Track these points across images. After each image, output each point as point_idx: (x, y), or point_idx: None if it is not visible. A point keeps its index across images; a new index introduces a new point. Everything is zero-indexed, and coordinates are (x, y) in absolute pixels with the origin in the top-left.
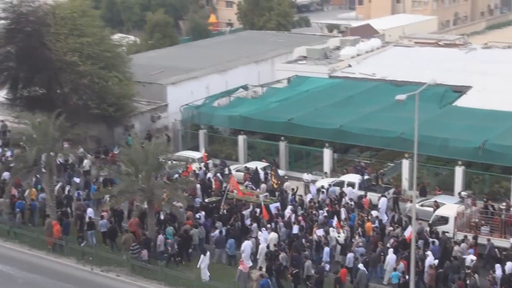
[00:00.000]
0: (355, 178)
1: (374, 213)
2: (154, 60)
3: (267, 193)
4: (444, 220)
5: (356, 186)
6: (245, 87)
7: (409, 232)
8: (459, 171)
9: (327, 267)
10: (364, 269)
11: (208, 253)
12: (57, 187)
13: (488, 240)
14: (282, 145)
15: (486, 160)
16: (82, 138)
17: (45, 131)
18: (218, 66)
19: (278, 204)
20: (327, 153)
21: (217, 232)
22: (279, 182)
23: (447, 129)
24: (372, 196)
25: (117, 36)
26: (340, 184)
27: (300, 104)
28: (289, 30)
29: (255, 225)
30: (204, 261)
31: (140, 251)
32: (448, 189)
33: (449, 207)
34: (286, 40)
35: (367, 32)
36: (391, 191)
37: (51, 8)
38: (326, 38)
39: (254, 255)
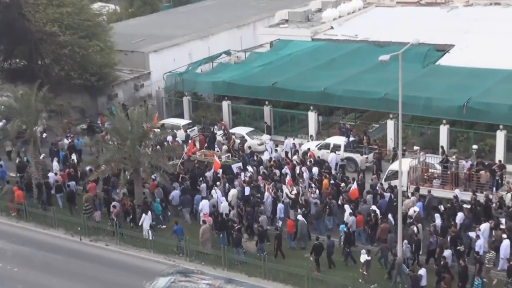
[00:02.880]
0: (340, 140)
1: (315, 169)
2: (135, 28)
3: (228, 154)
4: (397, 174)
5: (342, 148)
6: (227, 53)
7: (353, 188)
8: (443, 130)
9: (280, 223)
10: (303, 219)
11: (150, 213)
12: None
13: (429, 191)
14: (267, 109)
15: (470, 118)
16: (66, 109)
17: (27, 103)
18: (200, 32)
19: (240, 164)
20: (311, 116)
21: (176, 191)
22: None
23: (431, 89)
24: (357, 157)
25: (97, 5)
26: (326, 146)
27: (284, 68)
28: None
29: (203, 185)
30: (146, 220)
31: (92, 211)
32: (433, 148)
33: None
34: (267, 4)
35: None
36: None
37: None
38: (307, 1)
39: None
